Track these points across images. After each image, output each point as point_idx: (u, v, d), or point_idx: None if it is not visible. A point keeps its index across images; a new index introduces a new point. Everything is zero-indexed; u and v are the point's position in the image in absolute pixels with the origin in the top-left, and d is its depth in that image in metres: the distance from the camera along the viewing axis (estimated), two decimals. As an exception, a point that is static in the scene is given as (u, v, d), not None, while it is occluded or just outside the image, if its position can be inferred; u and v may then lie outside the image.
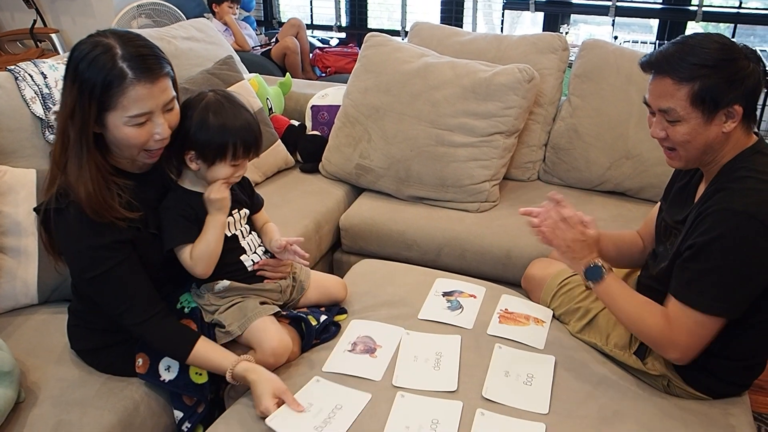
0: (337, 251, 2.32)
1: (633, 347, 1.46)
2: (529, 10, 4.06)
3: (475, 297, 1.69)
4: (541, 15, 4.14)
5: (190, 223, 1.38)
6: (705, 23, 3.96)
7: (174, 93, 1.28)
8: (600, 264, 1.40)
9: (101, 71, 1.18)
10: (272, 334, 1.38)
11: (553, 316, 1.64)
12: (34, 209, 1.33)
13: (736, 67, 1.21)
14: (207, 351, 1.34)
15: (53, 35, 3.96)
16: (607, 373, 1.44)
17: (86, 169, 1.22)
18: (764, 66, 1.25)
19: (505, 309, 1.64)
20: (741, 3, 3.71)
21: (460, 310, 1.63)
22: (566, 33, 3.88)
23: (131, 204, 1.28)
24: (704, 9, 3.71)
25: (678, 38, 1.29)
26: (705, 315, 1.25)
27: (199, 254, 1.37)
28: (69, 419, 1.30)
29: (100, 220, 1.23)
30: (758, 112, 3.33)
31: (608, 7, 3.89)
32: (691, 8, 3.76)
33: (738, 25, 3.81)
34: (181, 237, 1.37)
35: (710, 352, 1.34)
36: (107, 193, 1.25)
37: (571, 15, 4.11)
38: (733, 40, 1.25)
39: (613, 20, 3.92)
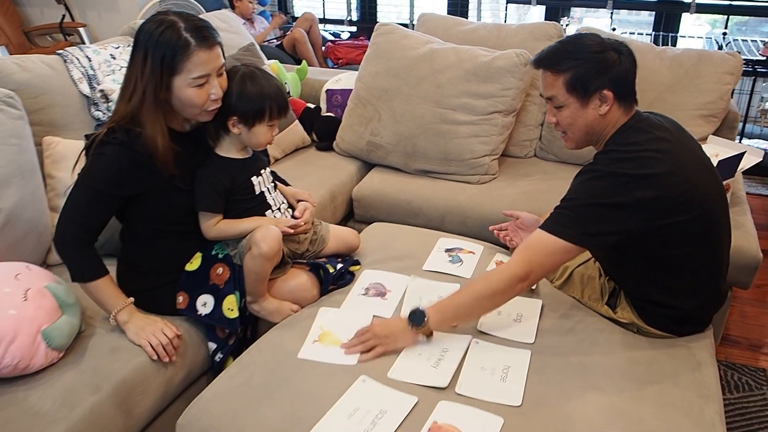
0: (350, 221, 2.53)
1: (604, 299, 1.65)
2: (530, 3, 4.25)
3: (473, 253, 1.90)
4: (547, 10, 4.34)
5: (218, 195, 1.61)
6: (699, 15, 4.13)
7: (223, 60, 1.51)
8: (412, 316, 1.48)
9: (169, 42, 1.42)
10: (260, 228, 1.58)
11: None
12: (86, 135, 1.59)
13: (602, 58, 1.43)
14: (105, 288, 1.53)
15: (81, 29, 4.20)
16: (586, 314, 1.64)
17: (157, 126, 1.47)
18: (633, 57, 1.46)
19: (500, 261, 1.85)
20: (733, -5, 3.88)
21: (460, 263, 1.84)
22: (567, 25, 4.06)
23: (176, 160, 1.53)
24: (698, 1, 3.89)
25: (560, 39, 1.54)
26: (557, 239, 1.41)
27: (223, 230, 1.61)
28: (124, 345, 1.53)
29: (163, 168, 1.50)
30: (747, 98, 3.52)
31: (606, 0, 4.08)
32: (686, 1, 3.94)
33: (731, 16, 3.99)
34: (207, 205, 1.61)
35: (666, 304, 1.53)
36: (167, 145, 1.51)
37: (572, 8, 4.30)
38: (604, 37, 1.48)
39: (611, 12, 4.11)
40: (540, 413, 1.31)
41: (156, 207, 1.58)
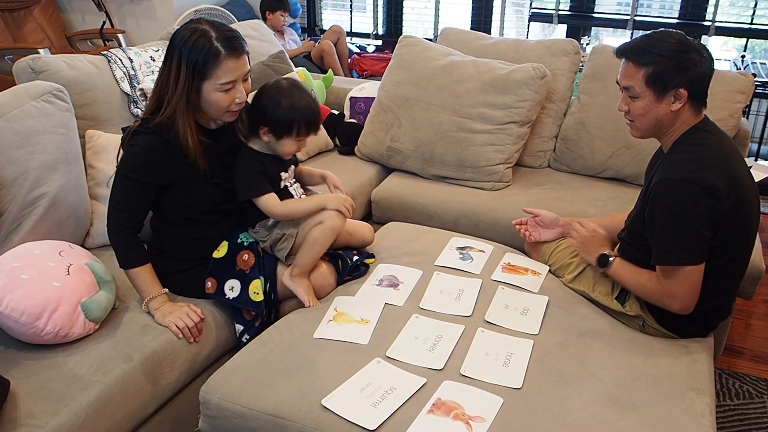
0: (368, 222, 2.63)
1: (614, 293, 1.74)
2: (552, 22, 4.36)
3: (483, 252, 1.99)
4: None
5: (262, 176, 1.73)
6: (726, 40, 4.20)
7: (249, 67, 1.64)
8: (607, 253, 1.69)
9: (202, 50, 1.55)
10: (330, 203, 1.73)
11: (549, 271, 1.93)
12: (122, 128, 1.71)
13: (685, 58, 1.50)
14: (144, 276, 1.66)
15: (120, 35, 4.39)
16: (591, 311, 1.73)
17: (187, 125, 1.60)
18: (712, 60, 1.54)
19: (508, 263, 1.94)
20: (753, 19, 3.95)
21: (470, 260, 1.93)
22: (587, 44, 4.16)
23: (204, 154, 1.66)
24: (717, 24, 3.97)
25: (647, 33, 1.60)
26: (680, 267, 1.51)
27: (291, 207, 1.73)
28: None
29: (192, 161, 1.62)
30: (763, 120, 3.58)
31: (627, 20, 4.17)
32: (705, 23, 4.02)
33: (757, 40, 4.05)
34: (260, 189, 1.72)
35: None
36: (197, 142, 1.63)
37: (593, 27, 4.40)
38: (688, 37, 1.55)
39: (632, 33, 4.20)
40: (537, 396, 1.40)
41: (183, 197, 1.70)
